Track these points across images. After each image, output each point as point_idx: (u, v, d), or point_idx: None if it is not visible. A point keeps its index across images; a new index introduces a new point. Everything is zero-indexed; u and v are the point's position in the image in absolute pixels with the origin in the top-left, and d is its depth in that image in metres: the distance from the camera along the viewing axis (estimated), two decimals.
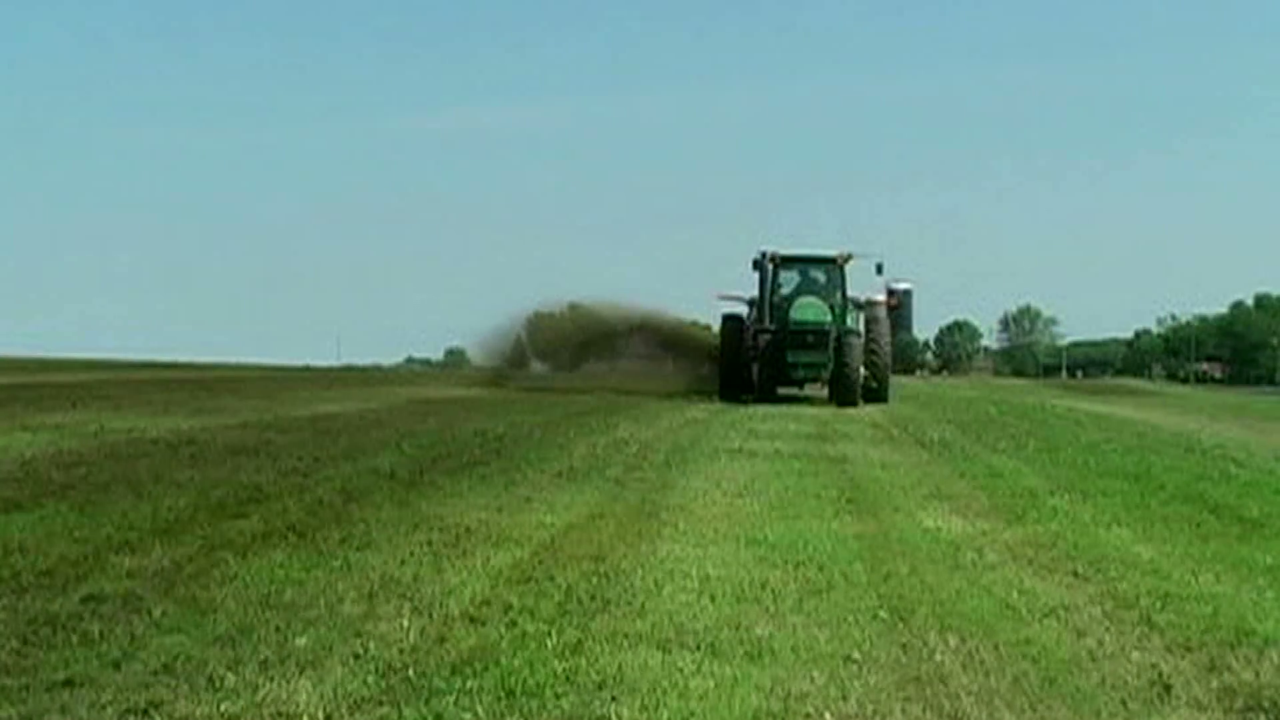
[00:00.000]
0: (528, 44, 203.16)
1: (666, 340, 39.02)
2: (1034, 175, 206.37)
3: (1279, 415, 39.39)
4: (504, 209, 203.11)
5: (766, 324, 31.71)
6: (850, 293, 32.88)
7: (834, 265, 32.71)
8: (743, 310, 33.52)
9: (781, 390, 32.31)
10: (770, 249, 32.48)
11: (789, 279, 33.01)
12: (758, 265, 32.23)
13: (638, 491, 11.56)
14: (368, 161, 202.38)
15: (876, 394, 32.10)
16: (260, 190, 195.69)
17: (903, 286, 34.63)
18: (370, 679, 5.24)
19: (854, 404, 30.05)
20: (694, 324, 39.73)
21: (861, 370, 31.33)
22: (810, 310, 31.15)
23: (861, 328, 32.48)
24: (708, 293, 36.54)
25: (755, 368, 31.68)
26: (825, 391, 32.08)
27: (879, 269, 32.44)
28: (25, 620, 6.02)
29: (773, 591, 7.17)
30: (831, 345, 30.84)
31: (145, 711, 4.80)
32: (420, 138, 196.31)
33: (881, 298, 33.38)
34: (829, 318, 31.11)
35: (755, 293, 32.76)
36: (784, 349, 30.83)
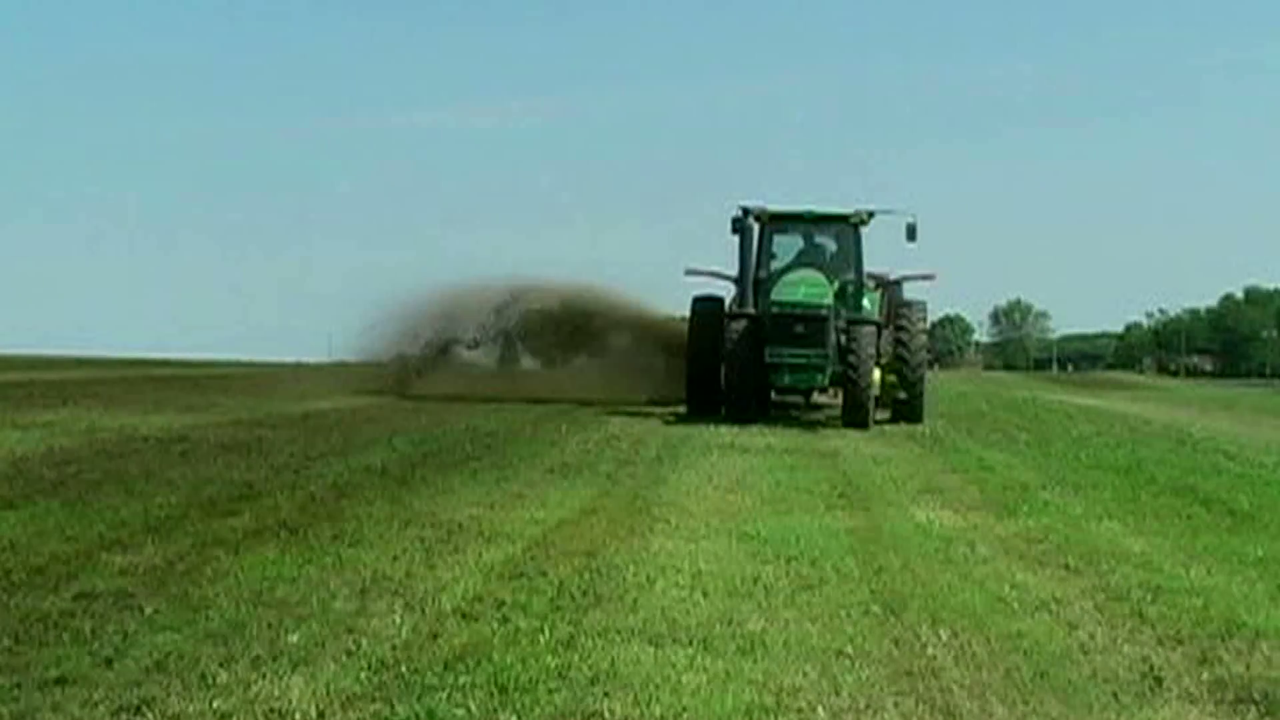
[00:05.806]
0: (513, 41, 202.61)
1: (632, 334, 29.48)
2: (1023, 168, 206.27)
3: (1269, 408, 39.60)
4: (494, 205, 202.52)
5: (747, 308, 22.19)
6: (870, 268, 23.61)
7: (846, 226, 23.24)
8: (728, 292, 23.83)
9: (782, 401, 24.30)
10: (756, 205, 22.92)
11: (786, 246, 23.79)
12: (738, 227, 22.59)
13: (629, 487, 11.56)
14: (357, 158, 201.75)
15: (906, 408, 22.42)
16: (251, 187, 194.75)
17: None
18: (362, 675, 5.24)
19: (865, 424, 20.77)
20: (673, 318, 30.64)
21: (876, 375, 21.55)
22: (801, 287, 21.57)
23: (882, 315, 23.06)
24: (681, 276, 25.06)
25: (724, 369, 22.18)
26: (840, 403, 22.43)
27: (911, 232, 22.76)
28: (17, 618, 6.00)
29: (765, 586, 7.17)
30: (833, 338, 21.38)
31: (138, 709, 4.79)
32: (409, 134, 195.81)
33: (913, 272, 24.47)
34: (828, 299, 21.45)
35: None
36: (763, 344, 21.25)
